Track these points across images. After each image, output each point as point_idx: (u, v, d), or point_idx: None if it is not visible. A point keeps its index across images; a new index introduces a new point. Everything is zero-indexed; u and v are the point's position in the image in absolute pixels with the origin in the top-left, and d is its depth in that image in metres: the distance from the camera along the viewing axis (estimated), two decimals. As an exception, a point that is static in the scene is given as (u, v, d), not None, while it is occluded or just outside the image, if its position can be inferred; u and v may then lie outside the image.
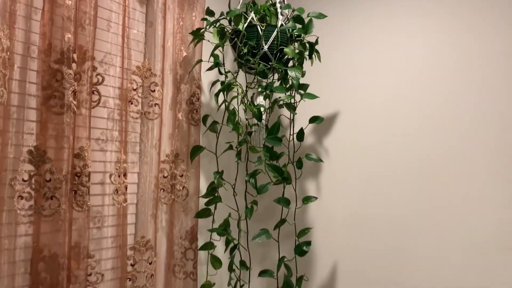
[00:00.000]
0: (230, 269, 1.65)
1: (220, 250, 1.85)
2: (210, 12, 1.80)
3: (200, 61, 1.80)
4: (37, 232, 1.34)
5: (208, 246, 1.73)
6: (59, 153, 1.37)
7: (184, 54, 1.82)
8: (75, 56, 1.40)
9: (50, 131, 1.37)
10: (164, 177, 1.74)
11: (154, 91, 1.69)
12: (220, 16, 1.75)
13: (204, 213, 1.75)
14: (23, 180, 1.32)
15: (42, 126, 1.36)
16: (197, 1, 1.88)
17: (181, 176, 1.80)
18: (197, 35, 1.76)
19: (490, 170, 1.52)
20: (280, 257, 1.66)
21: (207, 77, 1.94)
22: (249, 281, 1.65)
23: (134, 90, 1.66)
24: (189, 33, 1.81)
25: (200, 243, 1.83)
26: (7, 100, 1.27)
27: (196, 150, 1.76)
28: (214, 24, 1.73)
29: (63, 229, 1.37)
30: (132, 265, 1.63)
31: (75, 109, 1.40)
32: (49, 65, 1.39)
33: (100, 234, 1.52)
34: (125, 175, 1.58)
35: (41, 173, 1.34)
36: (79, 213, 1.41)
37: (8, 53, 1.26)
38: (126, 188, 1.58)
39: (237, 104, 1.74)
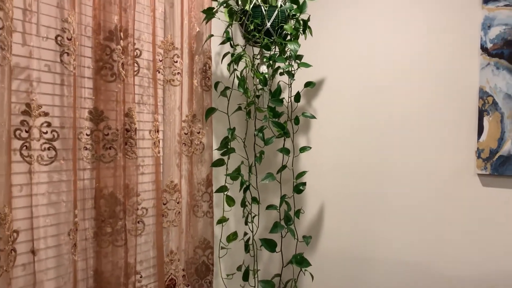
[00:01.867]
0: (243, 204, 2.13)
1: (232, 192, 2.33)
2: (219, -7, 2.20)
3: (211, 35, 2.22)
4: (98, 175, 1.76)
5: (223, 189, 2.20)
6: (112, 113, 1.77)
7: (197, 29, 2.22)
8: (121, 34, 1.80)
9: (103, 96, 1.77)
10: (185, 133, 2.17)
11: (176, 62, 2.10)
12: (228, -2, 2.16)
13: (219, 163, 2.21)
14: (87, 135, 1.73)
15: (97, 92, 1.76)
16: (205, -17, 2.27)
17: (198, 133, 2.23)
18: (209, 13, 2.16)
19: (441, 123, 2.05)
20: (282, 195, 2.16)
21: (214, 49, 2.36)
22: (258, 213, 2.13)
23: (160, 61, 2.06)
24: (201, 12, 2.21)
25: (216, 188, 2.30)
26: (75, 72, 1.66)
27: (210, 111, 2.20)
28: (224, 5, 2.14)
29: (119, 173, 1.79)
30: (164, 204, 2.08)
31: (124, 77, 1.80)
32: (99, 42, 1.77)
33: (142, 179, 1.96)
34: (157, 131, 2.00)
35: (100, 128, 1.75)
36: (130, 160, 1.84)
37: (74, 34, 1.65)
38: (159, 142, 2.01)
39: (246, 72, 2.18)
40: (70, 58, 1.61)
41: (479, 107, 2.02)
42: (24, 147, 1.51)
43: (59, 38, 1.59)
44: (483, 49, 2.02)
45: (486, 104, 2.01)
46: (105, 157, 1.76)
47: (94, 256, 1.76)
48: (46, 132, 1.57)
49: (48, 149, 1.57)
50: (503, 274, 1.95)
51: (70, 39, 1.61)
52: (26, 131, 1.51)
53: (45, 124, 1.57)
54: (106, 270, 1.77)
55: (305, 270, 2.30)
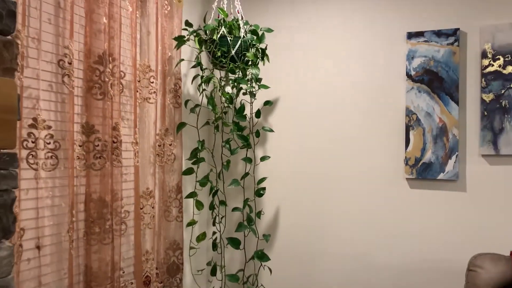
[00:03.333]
0: (212, 207, 2.49)
1: (200, 197, 2.67)
2: (189, 24, 2.58)
3: (182, 60, 2.58)
4: (89, 181, 2.04)
5: (193, 194, 2.54)
6: (102, 127, 2.07)
7: (169, 54, 2.57)
8: (110, 58, 2.11)
9: (94, 112, 2.06)
10: (158, 146, 2.50)
11: (152, 82, 2.43)
12: (197, 28, 2.54)
13: (189, 171, 2.55)
14: (79, 146, 2.01)
15: (88, 108, 2.05)
16: (176, 15, 2.63)
17: (170, 145, 2.56)
18: (181, 41, 2.52)
19: (377, 136, 2.54)
20: (245, 198, 2.54)
21: (182, 71, 2.72)
22: (225, 215, 2.50)
23: (138, 81, 2.38)
24: (173, 39, 2.57)
25: (185, 194, 2.63)
26: (73, 91, 1.95)
27: (181, 126, 2.54)
28: (194, 34, 2.52)
29: (107, 179, 2.09)
30: (141, 208, 2.38)
31: (112, 96, 2.11)
32: (90, 65, 2.07)
33: (125, 185, 2.26)
34: (137, 143, 2.32)
35: (91, 140, 2.04)
36: (116, 168, 2.14)
37: (71, 58, 1.95)
38: (138, 153, 2.32)
39: (214, 92, 2.56)
40: (70, 79, 1.92)
41: (406, 123, 2.53)
42: (30, 156, 1.78)
43: (61, 62, 1.89)
44: (408, 75, 2.54)
45: (412, 121, 2.53)
46: (95, 165, 2.05)
47: (84, 253, 2.03)
48: (49, 143, 1.85)
49: (51, 157, 1.85)
50: (427, 261, 2.45)
51: (70, 63, 1.92)
52: (33, 142, 1.78)
53: (48, 136, 1.85)
54: (94, 265, 2.04)
55: (265, 265, 2.68)
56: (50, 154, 1.85)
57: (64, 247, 1.90)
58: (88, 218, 2.04)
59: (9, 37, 1.11)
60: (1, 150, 1.08)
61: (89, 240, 2.03)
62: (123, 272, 2.24)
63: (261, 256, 2.48)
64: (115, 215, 2.14)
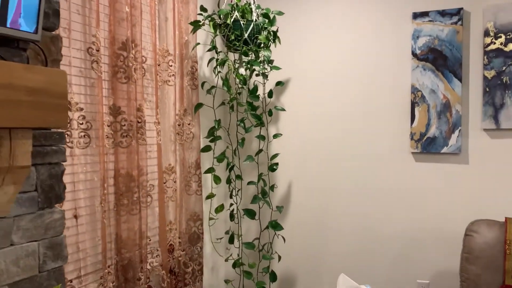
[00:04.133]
0: (229, 181, 2.71)
1: (218, 172, 2.90)
2: (204, 9, 2.76)
3: (198, 43, 2.77)
4: (117, 158, 2.28)
5: (211, 170, 2.76)
6: (127, 108, 2.29)
7: (186, 38, 2.76)
8: (133, 44, 2.32)
9: (120, 94, 2.28)
10: (178, 125, 2.72)
11: (171, 66, 2.64)
12: (212, 13, 2.72)
13: (206, 149, 2.77)
14: (107, 126, 2.24)
15: (114, 91, 2.27)
16: (191, 0, 2.82)
17: (189, 124, 2.78)
18: (196, 25, 2.71)
19: (384, 113, 2.72)
20: (259, 173, 2.76)
21: (198, 54, 2.91)
22: (241, 188, 2.72)
23: (158, 65, 2.59)
24: (189, 23, 2.75)
25: (204, 170, 2.86)
26: (101, 76, 2.16)
27: (198, 106, 2.75)
28: (209, 18, 2.70)
29: (133, 156, 2.32)
30: (164, 183, 2.61)
31: (136, 79, 2.33)
32: (114, 51, 2.28)
33: (149, 162, 2.49)
34: (158, 123, 2.54)
35: (118, 120, 2.27)
36: (141, 146, 2.36)
37: (99, 45, 2.16)
38: (160, 132, 2.55)
39: (228, 74, 2.75)
40: (98, 65, 2.13)
41: (411, 100, 2.70)
42: (66, 135, 2.01)
43: (89, 50, 2.10)
44: (414, 54, 2.70)
45: (417, 98, 2.69)
46: (122, 143, 2.28)
47: (115, 223, 2.28)
48: (82, 123, 2.08)
49: (84, 136, 2.08)
50: (430, 229, 2.64)
51: (98, 50, 2.13)
52: (68, 122, 2.01)
53: (80, 117, 2.08)
54: (124, 234, 2.29)
55: (278, 234, 2.92)
56: (83, 134, 2.08)
57: (98, 217, 2.15)
58: (117, 191, 2.28)
59: (54, 32, 1.32)
60: (53, 130, 1.30)
61: (118, 211, 2.27)
62: (150, 240, 2.48)
63: (275, 225, 2.71)
64: (141, 189, 2.38)
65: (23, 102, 1.07)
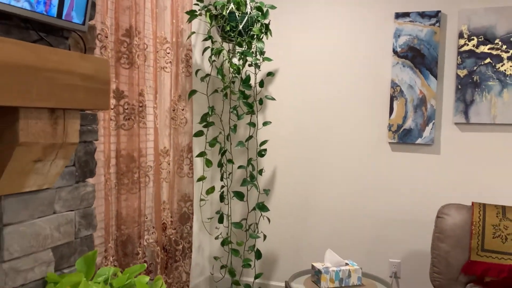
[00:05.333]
0: (220, 165, 2.93)
1: (209, 156, 3.11)
2: (200, 0, 2.94)
3: (193, 32, 2.96)
4: (119, 140, 2.45)
5: (203, 154, 2.97)
6: (130, 92, 2.47)
7: (182, 27, 2.94)
8: (136, 32, 2.49)
9: (123, 79, 2.45)
10: (173, 110, 2.90)
11: (169, 53, 2.81)
12: (208, 4, 2.91)
13: (199, 134, 2.97)
14: (111, 108, 2.41)
15: (117, 76, 2.44)
16: (188, -11, 2.99)
17: (182, 110, 2.97)
18: (193, 15, 2.89)
19: (365, 105, 3.00)
20: (249, 158, 2.99)
21: (192, 43, 3.09)
22: (231, 172, 2.95)
23: (157, 52, 2.76)
24: (185, 13, 2.93)
25: (196, 154, 3.06)
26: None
27: (192, 93, 2.94)
28: (205, 9, 2.89)
29: (135, 138, 2.49)
30: (159, 164, 2.80)
31: (138, 65, 2.50)
32: (118, 38, 2.44)
33: (148, 144, 2.67)
34: (157, 107, 2.72)
35: (121, 104, 2.44)
36: (142, 129, 2.55)
37: (107, 32, 2.32)
38: (157, 116, 2.73)
39: (223, 63, 2.95)
40: (106, 50, 2.30)
41: (391, 94, 2.98)
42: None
43: (99, 36, 2.26)
44: (394, 52, 2.98)
45: (396, 92, 2.98)
46: (125, 126, 2.45)
47: (116, 201, 2.46)
48: (91, 106, 2.25)
49: (92, 118, 2.25)
50: (405, 212, 2.96)
51: (107, 37, 2.29)
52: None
53: (89, 100, 2.24)
54: (124, 212, 2.48)
55: (264, 215, 3.17)
56: (91, 116, 2.25)
57: (101, 195, 2.33)
58: (118, 171, 2.46)
59: (91, 22, 1.50)
60: (87, 111, 1.48)
61: (119, 190, 2.45)
62: (147, 218, 2.68)
63: (262, 207, 2.95)
64: (140, 169, 2.57)
65: (78, 86, 1.25)
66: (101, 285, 1.28)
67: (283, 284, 3.15)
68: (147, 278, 1.39)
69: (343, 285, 2.25)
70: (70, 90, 1.22)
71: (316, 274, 2.27)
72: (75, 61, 1.23)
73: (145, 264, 1.57)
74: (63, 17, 1.28)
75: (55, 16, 1.26)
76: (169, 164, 2.82)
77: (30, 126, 1.17)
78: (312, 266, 2.32)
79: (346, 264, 2.31)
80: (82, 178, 1.51)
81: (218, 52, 2.81)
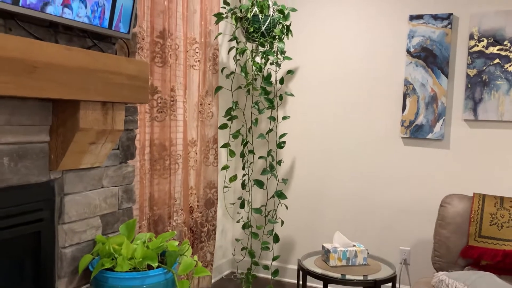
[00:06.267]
0: (242, 155, 3.27)
1: (232, 147, 3.45)
2: (226, 3, 3.28)
3: (220, 33, 3.29)
4: (152, 130, 2.81)
5: (227, 145, 3.31)
6: (162, 88, 2.82)
7: (209, 28, 3.28)
8: (169, 33, 2.84)
9: (156, 76, 2.81)
10: (200, 105, 3.25)
11: (198, 52, 3.16)
12: (234, 7, 3.24)
13: (224, 126, 3.31)
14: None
15: (151, 73, 2.79)
16: (215, -7, 3.33)
17: (209, 104, 3.31)
18: (220, 17, 3.23)
19: (380, 101, 3.28)
20: (269, 149, 3.32)
21: (218, 42, 3.43)
22: (253, 161, 3.28)
23: (187, 52, 3.11)
24: (213, 15, 3.27)
25: (221, 145, 3.40)
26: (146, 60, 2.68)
27: (218, 89, 3.28)
28: (231, 12, 3.22)
29: (167, 129, 2.85)
30: (188, 154, 3.15)
31: (171, 64, 2.85)
32: (153, 39, 2.80)
33: (178, 135, 3.03)
34: (186, 102, 3.07)
35: (155, 98, 2.79)
36: (173, 121, 2.90)
37: (144, 34, 2.67)
38: (186, 110, 3.08)
39: (246, 62, 3.29)
40: (143, 51, 2.66)
41: (404, 91, 3.25)
42: (116, 109, 2.54)
43: (137, 38, 2.62)
44: (408, 52, 3.24)
45: (408, 90, 3.25)
46: (158, 118, 2.81)
47: (149, 184, 2.83)
48: (129, 100, 2.61)
49: (130, 110, 2.61)
50: (414, 201, 3.23)
51: (143, 39, 2.65)
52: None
53: (128, 94, 2.60)
54: (156, 195, 2.84)
55: (282, 203, 3.49)
56: (129, 108, 2.61)
57: (137, 179, 2.69)
58: (152, 158, 2.82)
59: (134, 29, 1.85)
60: (129, 104, 1.83)
61: (152, 175, 2.82)
62: (176, 201, 3.04)
63: (280, 195, 3.27)
64: (171, 157, 2.93)
65: (124, 84, 1.59)
66: (139, 246, 1.62)
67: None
68: (176, 243, 1.73)
69: (349, 264, 2.54)
70: (118, 87, 1.56)
71: (325, 254, 2.58)
72: (122, 64, 1.57)
73: (175, 231, 1.91)
74: (113, 28, 1.62)
75: (107, 27, 1.60)
76: (196, 153, 3.17)
77: (87, 115, 1.52)
78: (322, 246, 2.62)
79: (353, 245, 2.61)
80: (125, 159, 1.86)
81: (242, 52, 3.14)
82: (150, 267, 1.69)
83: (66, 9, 1.44)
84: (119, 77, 1.56)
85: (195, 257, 1.71)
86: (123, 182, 1.86)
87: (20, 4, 1.31)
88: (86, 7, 1.49)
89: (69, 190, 1.63)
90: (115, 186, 1.84)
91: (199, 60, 3.15)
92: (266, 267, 3.28)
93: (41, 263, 1.57)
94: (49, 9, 1.39)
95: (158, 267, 1.65)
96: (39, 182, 1.54)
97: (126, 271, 1.60)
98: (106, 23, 1.59)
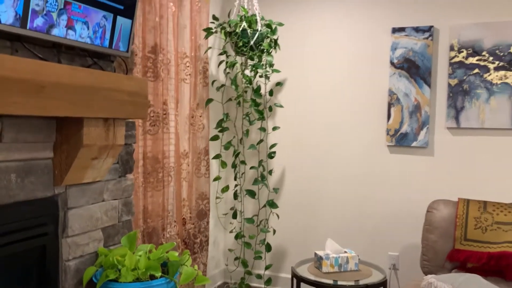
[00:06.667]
0: (234, 166, 3.35)
1: (224, 158, 3.53)
2: (216, 18, 3.37)
3: (209, 48, 3.38)
4: (145, 143, 2.87)
5: (218, 156, 3.39)
6: (155, 101, 2.89)
7: (199, 42, 3.37)
8: (160, 49, 2.91)
9: (149, 90, 2.87)
10: (191, 117, 3.33)
11: (188, 66, 3.24)
12: (223, 22, 3.34)
13: (215, 138, 3.39)
14: (139, 116, 2.83)
15: (144, 88, 2.86)
16: (204, 9, 3.42)
17: (200, 116, 3.39)
18: (209, 32, 3.32)
19: (366, 111, 3.40)
20: (260, 159, 3.40)
21: (208, 56, 3.52)
22: (244, 172, 3.36)
23: (178, 66, 3.19)
24: (203, 30, 3.36)
25: (212, 156, 3.48)
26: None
27: (208, 101, 3.37)
28: (220, 27, 3.32)
29: (159, 141, 2.92)
30: (180, 165, 3.22)
31: (163, 78, 2.93)
32: (145, 54, 2.87)
33: (170, 147, 3.10)
34: (178, 115, 3.15)
35: (148, 112, 2.86)
36: (166, 134, 2.97)
37: (138, 50, 2.74)
38: (178, 123, 3.15)
39: (236, 75, 3.38)
40: (136, 66, 2.73)
41: (388, 101, 3.38)
42: (111, 123, 2.60)
43: (133, 56, 2.70)
44: (391, 63, 3.37)
45: (393, 99, 3.37)
46: (151, 131, 2.88)
47: (143, 197, 2.89)
48: (123, 114, 2.67)
49: (124, 125, 2.68)
50: (401, 206, 3.34)
51: (136, 54, 2.73)
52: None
53: (122, 109, 2.67)
54: (149, 207, 2.90)
55: (274, 212, 3.58)
56: (123, 122, 2.68)
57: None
58: (145, 171, 2.89)
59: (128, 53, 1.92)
60: (127, 120, 1.90)
61: (146, 187, 2.88)
62: (169, 213, 3.10)
63: (271, 204, 3.36)
64: (164, 170, 2.99)
65: (125, 101, 1.66)
66: (143, 257, 1.69)
67: (290, 276, 3.55)
68: (176, 253, 1.80)
69: (341, 270, 2.63)
70: (119, 104, 1.63)
71: (318, 260, 2.66)
72: (123, 81, 1.65)
73: (174, 242, 1.97)
74: (113, 47, 1.70)
75: (108, 46, 1.68)
76: (188, 165, 3.24)
77: (91, 132, 1.59)
78: (315, 253, 2.71)
79: (345, 252, 2.70)
80: (124, 173, 1.93)
81: (232, 65, 3.23)
82: (152, 277, 1.75)
83: (70, 31, 1.51)
84: (120, 94, 1.64)
85: (195, 267, 1.78)
86: (123, 195, 1.93)
87: (28, 27, 1.38)
88: (88, 28, 1.57)
89: (72, 204, 1.69)
90: (115, 199, 1.91)
91: (190, 74, 3.23)
92: (259, 276, 3.35)
93: (46, 276, 1.63)
94: (54, 31, 1.47)
95: (160, 277, 1.72)
96: (44, 197, 1.60)
97: (130, 282, 1.67)
98: (107, 43, 1.67)
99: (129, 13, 1.75)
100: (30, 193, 1.53)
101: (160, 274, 1.68)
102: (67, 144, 1.59)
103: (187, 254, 1.82)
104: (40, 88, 1.35)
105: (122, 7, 1.69)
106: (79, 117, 1.54)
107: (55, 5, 1.43)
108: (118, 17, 1.69)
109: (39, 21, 1.40)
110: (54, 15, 1.44)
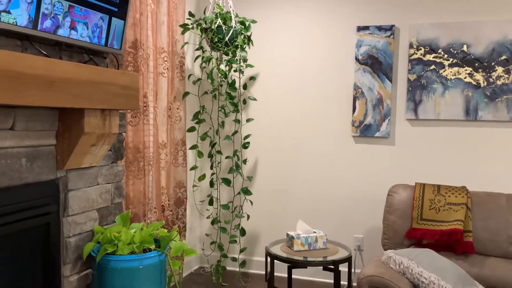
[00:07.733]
0: (210, 155, 3.61)
1: (200, 149, 3.78)
2: (192, 15, 3.61)
3: (186, 43, 3.62)
4: (127, 134, 3.09)
5: (195, 146, 3.64)
6: (136, 95, 3.11)
7: (176, 38, 3.60)
8: (140, 44, 3.13)
9: (130, 84, 3.09)
10: (169, 109, 3.56)
11: (166, 61, 3.47)
12: (199, 19, 3.58)
13: (191, 129, 3.64)
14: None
15: (126, 81, 3.08)
16: (180, 6, 3.65)
17: (177, 109, 3.63)
18: (185, 28, 3.55)
19: (333, 104, 3.71)
20: (235, 149, 3.67)
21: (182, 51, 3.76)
22: (220, 161, 3.63)
23: (156, 60, 3.41)
24: (179, 26, 3.58)
25: (189, 147, 3.72)
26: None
27: (185, 94, 3.61)
28: (196, 23, 3.55)
29: (140, 132, 3.14)
30: (159, 155, 3.45)
31: (143, 72, 3.15)
32: (125, 49, 3.09)
33: (150, 138, 3.32)
34: (157, 107, 3.37)
35: (129, 105, 3.08)
36: (146, 125, 3.20)
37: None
38: (157, 114, 3.38)
39: (212, 69, 3.63)
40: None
41: (353, 95, 3.70)
42: (96, 115, 2.81)
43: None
44: (356, 59, 3.69)
45: (358, 93, 3.70)
46: (132, 122, 3.11)
47: (125, 186, 3.11)
48: (107, 106, 2.89)
49: (109, 116, 2.90)
50: (365, 192, 3.68)
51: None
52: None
53: (106, 101, 2.88)
54: (131, 194, 3.13)
55: (248, 198, 3.86)
56: (108, 114, 2.89)
57: (115, 178, 2.97)
58: (127, 160, 3.11)
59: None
60: (120, 111, 2.14)
61: (128, 176, 3.11)
62: (149, 200, 3.34)
63: (246, 191, 3.64)
64: (145, 159, 3.23)
65: (119, 94, 1.89)
66: (138, 232, 1.93)
67: (263, 259, 3.84)
68: (165, 230, 2.05)
69: (311, 248, 2.94)
70: (115, 96, 1.87)
71: (290, 240, 2.96)
72: (118, 76, 1.88)
73: (163, 221, 2.22)
74: (108, 45, 1.93)
75: (104, 44, 1.91)
76: (166, 155, 3.48)
77: (90, 121, 1.82)
78: (287, 234, 3.01)
79: (314, 232, 3.00)
80: (116, 160, 2.16)
81: (207, 60, 3.48)
82: (145, 251, 2.00)
83: (72, 31, 1.73)
84: (115, 88, 1.87)
85: (184, 241, 2.04)
86: (115, 180, 2.16)
87: (38, 29, 1.60)
88: (88, 28, 1.79)
89: (72, 186, 1.92)
90: (108, 183, 2.14)
91: (167, 68, 3.47)
92: (234, 259, 3.63)
93: (50, 250, 1.85)
94: (60, 31, 1.69)
95: (153, 250, 1.96)
96: (48, 180, 1.82)
97: (126, 255, 1.91)
98: (103, 41, 1.89)
99: (122, 14, 1.98)
100: (37, 176, 1.75)
101: (154, 246, 1.92)
102: (68, 132, 1.82)
103: (175, 230, 2.08)
104: (50, 83, 1.58)
105: (116, 9, 1.92)
106: (81, 108, 1.77)
107: (61, 8, 1.65)
108: (113, 19, 1.92)
109: (47, 23, 1.62)
110: (60, 17, 1.66)
